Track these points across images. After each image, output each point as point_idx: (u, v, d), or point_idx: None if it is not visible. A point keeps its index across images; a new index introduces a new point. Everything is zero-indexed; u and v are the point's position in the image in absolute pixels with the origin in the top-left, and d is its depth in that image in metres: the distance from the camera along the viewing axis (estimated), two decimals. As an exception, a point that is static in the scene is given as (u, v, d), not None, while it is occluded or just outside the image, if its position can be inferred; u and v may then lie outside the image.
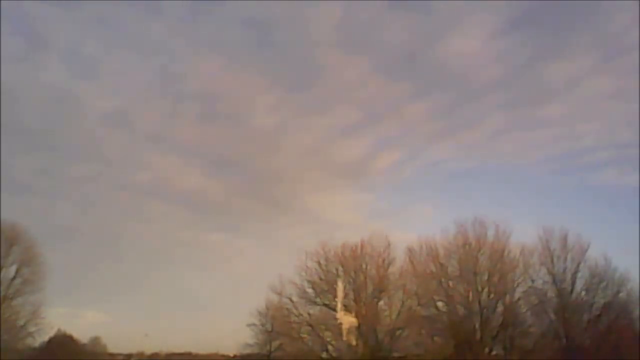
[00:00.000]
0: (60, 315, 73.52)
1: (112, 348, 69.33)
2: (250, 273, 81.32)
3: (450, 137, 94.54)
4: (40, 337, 50.25)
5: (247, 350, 54.55)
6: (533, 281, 45.05)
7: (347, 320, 35.65)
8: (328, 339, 43.99)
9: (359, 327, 39.63)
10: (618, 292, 44.22)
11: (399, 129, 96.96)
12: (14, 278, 46.31)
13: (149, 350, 72.66)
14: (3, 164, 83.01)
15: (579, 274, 44.77)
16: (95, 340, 67.44)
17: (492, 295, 43.77)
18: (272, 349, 52.89)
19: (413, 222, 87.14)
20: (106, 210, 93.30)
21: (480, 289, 43.69)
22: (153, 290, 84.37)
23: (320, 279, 45.39)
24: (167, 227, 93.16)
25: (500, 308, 43.94)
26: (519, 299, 44.95)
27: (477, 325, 43.21)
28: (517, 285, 44.85)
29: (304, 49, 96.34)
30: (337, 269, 45.54)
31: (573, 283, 44.64)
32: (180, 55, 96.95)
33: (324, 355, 44.68)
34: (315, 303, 45.39)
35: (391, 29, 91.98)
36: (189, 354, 75.57)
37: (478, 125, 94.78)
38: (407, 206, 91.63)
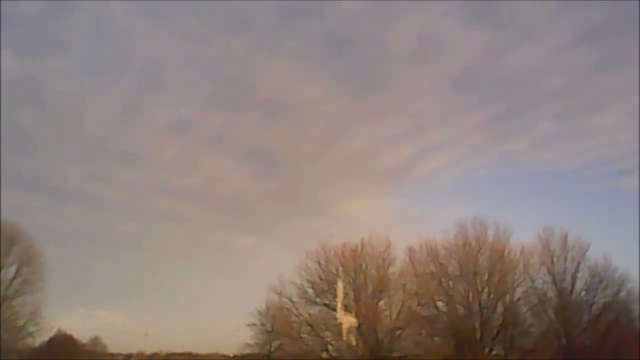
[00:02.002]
0: (80, 315, 76.03)
1: (112, 348, 69.39)
2: (271, 275, 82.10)
3: (497, 146, 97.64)
4: (40, 337, 50.27)
5: (247, 350, 54.48)
6: (533, 281, 45.14)
7: (347, 320, 35.57)
8: (328, 339, 43.98)
9: (359, 327, 39.63)
10: (618, 292, 44.24)
11: (447, 137, 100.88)
12: (14, 278, 46.26)
13: (149, 350, 72.77)
14: (56, 171, 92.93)
15: (579, 274, 44.89)
16: (95, 340, 67.43)
17: (492, 295, 43.77)
18: (272, 349, 52.85)
19: (445, 226, 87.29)
20: (144, 214, 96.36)
21: (480, 289, 43.70)
22: (168, 290, 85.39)
23: (320, 279, 45.39)
24: (200, 230, 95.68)
25: (500, 308, 43.95)
26: (519, 299, 45.00)
27: (477, 325, 43.22)
28: (517, 285, 44.93)
29: (377, 62, 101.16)
30: (337, 269, 45.57)
31: (573, 283, 44.70)
32: (253, 67, 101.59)
33: (324, 355, 44.66)
34: (315, 303, 45.41)
35: (465, 42, 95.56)
36: (189, 354, 75.58)
37: (526, 134, 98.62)
38: (440, 211, 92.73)
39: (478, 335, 42.96)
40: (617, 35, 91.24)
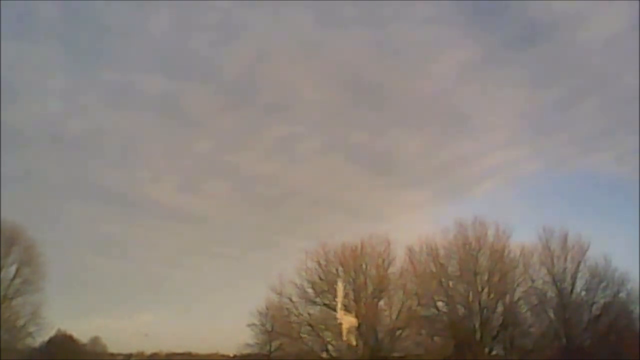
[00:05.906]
0: (118, 316, 76.76)
1: (112, 348, 69.38)
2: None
3: (578, 161, 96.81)
4: (40, 337, 50.32)
5: (247, 350, 54.52)
6: (533, 281, 45.17)
7: (347, 320, 35.46)
8: (328, 339, 43.97)
9: (359, 327, 39.53)
10: (618, 292, 44.30)
11: (531, 152, 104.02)
12: (14, 278, 46.26)
13: (149, 350, 72.79)
14: (148, 183, 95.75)
15: (579, 274, 44.93)
16: (95, 340, 67.47)
17: (492, 295, 43.79)
18: (272, 349, 52.88)
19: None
20: (207, 221, 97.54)
21: (480, 289, 43.72)
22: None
23: (320, 279, 45.37)
24: (259, 234, 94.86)
25: (500, 308, 43.98)
26: (519, 299, 45.03)
27: (477, 325, 43.24)
28: (517, 285, 44.96)
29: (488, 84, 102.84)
30: (337, 269, 45.56)
31: (573, 283, 44.75)
32: (366, 86, 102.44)
33: (324, 355, 44.67)
34: (315, 303, 45.38)
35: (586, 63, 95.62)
36: (189, 354, 75.50)
37: (599, 151, 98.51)
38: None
39: (478, 335, 42.98)
40: None
